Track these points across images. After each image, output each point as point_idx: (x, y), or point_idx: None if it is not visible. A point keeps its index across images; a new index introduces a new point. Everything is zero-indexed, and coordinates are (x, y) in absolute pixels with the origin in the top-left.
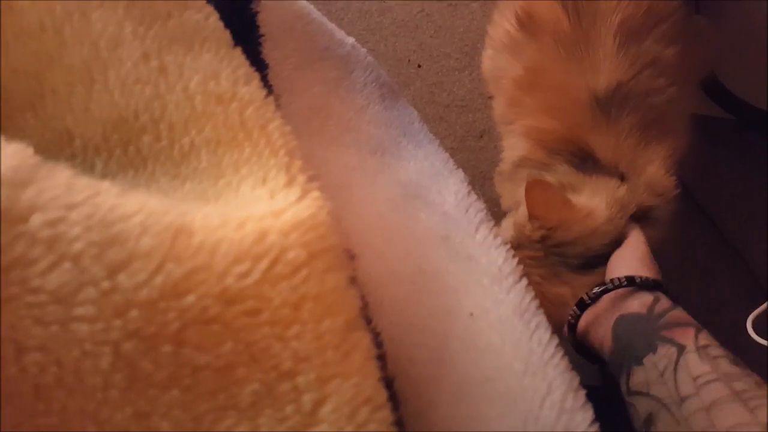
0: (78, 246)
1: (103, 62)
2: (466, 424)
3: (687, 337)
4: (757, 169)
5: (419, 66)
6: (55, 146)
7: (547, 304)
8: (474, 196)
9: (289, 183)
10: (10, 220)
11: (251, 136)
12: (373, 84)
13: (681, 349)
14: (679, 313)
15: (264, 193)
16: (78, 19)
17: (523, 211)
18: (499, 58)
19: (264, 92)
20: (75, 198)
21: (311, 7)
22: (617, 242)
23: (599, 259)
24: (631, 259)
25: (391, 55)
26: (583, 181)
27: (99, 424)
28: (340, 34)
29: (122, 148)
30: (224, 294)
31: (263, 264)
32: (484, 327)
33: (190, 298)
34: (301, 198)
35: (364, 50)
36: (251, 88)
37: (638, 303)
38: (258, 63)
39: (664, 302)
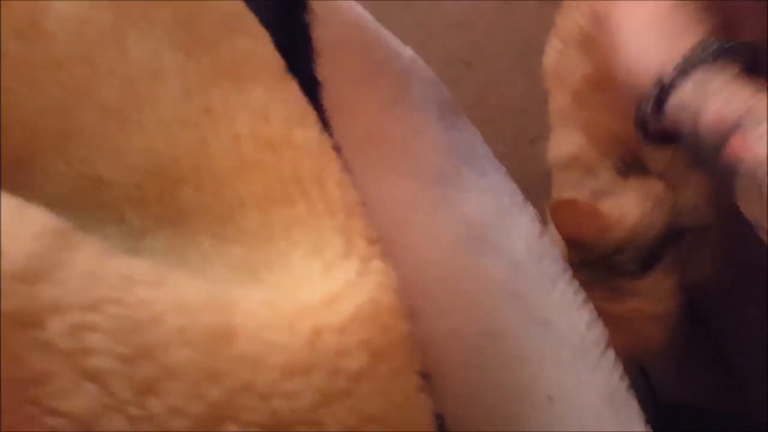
0: (103, 361)
1: (140, 99)
2: None
3: None
4: None
5: (469, 64)
6: (84, 194)
7: (620, 325)
8: (547, 240)
9: (347, 252)
10: (25, 325)
11: (305, 191)
12: (432, 102)
13: None
14: None
15: (318, 267)
16: (114, 49)
17: (554, 233)
18: (568, 53)
19: (320, 134)
20: (100, 291)
21: (367, 14)
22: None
23: (656, 256)
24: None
25: (440, 53)
26: (623, 186)
27: None
28: (397, 44)
29: (158, 199)
30: (271, 420)
31: (316, 379)
32: (565, 414)
33: (231, 429)
34: (360, 272)
35: (422, 63)
36: (306, 130)
37: None
38: (310, 81)
39: None
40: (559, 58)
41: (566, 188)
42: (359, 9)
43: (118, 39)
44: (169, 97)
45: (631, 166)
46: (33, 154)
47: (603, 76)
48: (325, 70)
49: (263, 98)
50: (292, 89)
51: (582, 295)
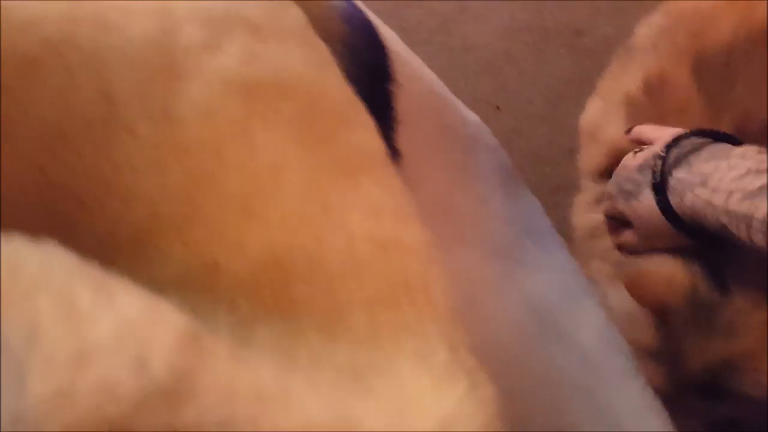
0: None
1: (264, 193)
2: None
3: None
4: None
5: (498, 108)
6: (199, 277)
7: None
8: (615, 330)
9: (454, 365)
10: None
11: (413, 296)
12: (496, 169)
13: None
14: None
15: (427, 382)
16: (241, 139)
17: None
18: (609, 112)
19: (424, 232)
20: (236, 410)
21: (438, 80)
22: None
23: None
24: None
25: (470, 95)
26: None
27: None
28: (464, 109)
29: (273, 292)
30: None
31: None
32: None
33: None
34: (469, 389)
35: (486, 128)
36: (413, 229)
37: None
38: (391, 152)
39: None
40: (599, 117)
41: (594, 258)
42: (431, 73)
43: (247, 130)
44: (292, 192)
45: None
46: (153, 235)
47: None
48: (404, 139)
49: (374, 194)
50: (397, 180)
51: (651, 394)
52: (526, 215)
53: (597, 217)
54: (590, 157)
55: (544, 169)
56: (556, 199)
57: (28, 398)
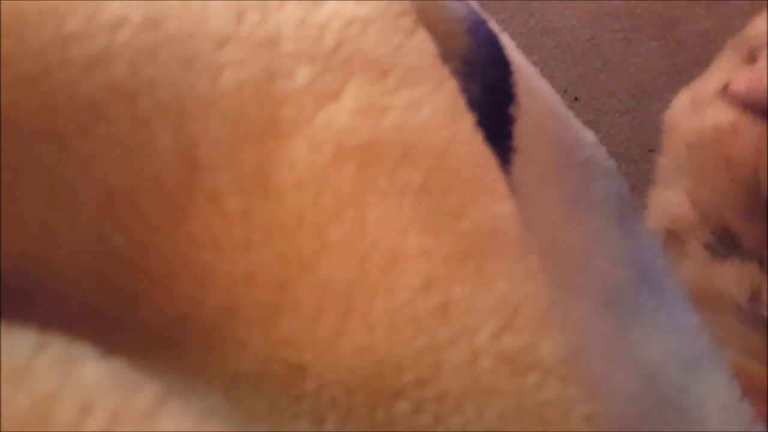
0: None
1: (371, 286)
2: None
3: None
4: None
5: (576, 99)
6: (280, 380)
7: None
8: (744, 406)
9: None
10: None
11: (547, 428)
12: (613, 199)
13: None
14: None
15: None
16: (351, 216)
17: None
18: (701, 107)
19: (562, 341)
20: None
21: (555, 93)
22: None
23: None
24: None
25: (548, 83)
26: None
27: None
28: (581, 128)
29: (368, 410)
30: None
31: None
32: None
33: None
34: None
35: (603, 150)
36: (550, 338)
37: None
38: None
39: None
40: (687, 111)
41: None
42: (548, 86)
43: (359, 208)
44: (406, 287)
45: (723, 243)
46: (233, 324)
47: (730, 132)
48: (520, 171)
49: (505, 289)
50: (536, 268)
51: None
52: (643, 256)
53: (663, 222)
54: (673, 150)
55: (621, 166)
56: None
57: None
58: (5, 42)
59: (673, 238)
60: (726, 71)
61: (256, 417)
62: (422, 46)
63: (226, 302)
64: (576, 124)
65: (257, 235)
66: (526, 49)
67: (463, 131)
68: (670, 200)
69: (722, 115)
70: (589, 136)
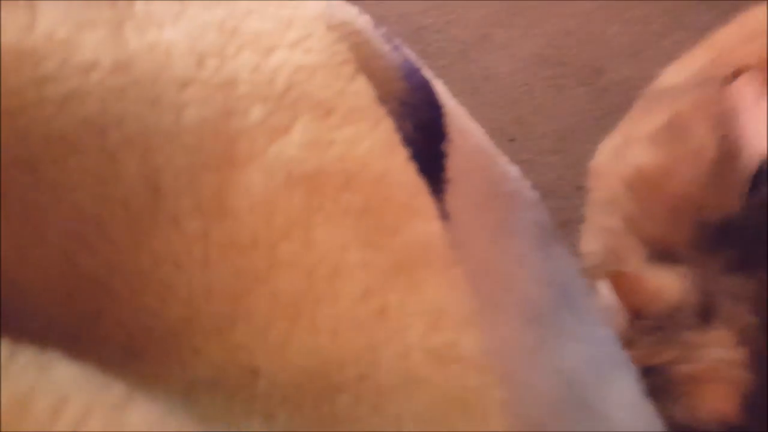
0: None
1: (317, 295)
2: None
3: None
4: None
5: (512, 140)
6: (234, 383)
7: (704, 381)
8: (648, 406)
9: None
10: None
11: (469, 415)
12: (534, 226)
13: None
14: None
15: None
16: (299, 236)
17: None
18: (630, 147)
19: (483, 341)
20: None
21: (482, 131)
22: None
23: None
24: None
25: (486, 124)
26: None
27: None
28: (506, 163)
29: (315, 404)
30: None
31: None
32: None
33: None
34: None
35: (527, 183)
36: (473, 336)
37: None
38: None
39: None
40: (615, 154)
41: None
42: (477, 126)
43: (306, 228)
44: (348, 295)
45: (663, 258)
46: (189, 334)
47: (662, 172)
48: (453, 199)
49: (434, 295)
50: (456, 274)
51: None
52: (562, 276)
53: (600, 242)
54: (603, 188)
55: (552, 203)
56: (563, 232)
57: None
58: None
59: (612, 255)
60: (641, 117)
61: (213, 417)
62: (362, 90)
63: (185, 314)
64: (502, 160)
65: (215, 252)
66: (466, 94)
67: (398, 163)
68: (608, 228)
69: (646, 154)
70: (514, 170)
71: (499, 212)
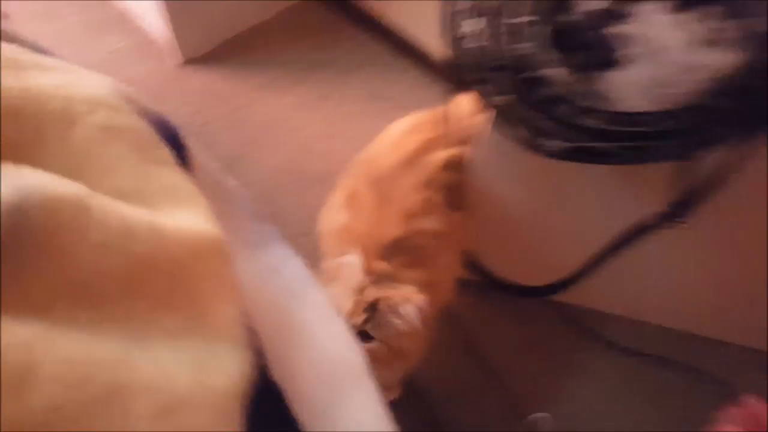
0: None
1: None
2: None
3: None
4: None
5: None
6: None
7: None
8: (388, 423)
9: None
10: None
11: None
12: (248, 204)
13: None
14: None
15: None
16: None
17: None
18: (340, 209)
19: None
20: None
21: (207, 155)
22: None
23: None
24: None
25: None
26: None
27: None
28: (224, 176)
29: None
30: None
31: None
32: None
33: None
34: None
35: (246, 193)
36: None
37: None
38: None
39: None
40: (332, 217)
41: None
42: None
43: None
44: None
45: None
46: None
47: (355, 224)
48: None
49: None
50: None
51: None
52: (269, 233)
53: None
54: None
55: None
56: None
57: None
58: None
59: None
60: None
61: None
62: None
63: None
64: (220, 175)
65: None
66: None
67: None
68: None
69: (339, 217)
70: (231, 180)
71: (221, 203)
